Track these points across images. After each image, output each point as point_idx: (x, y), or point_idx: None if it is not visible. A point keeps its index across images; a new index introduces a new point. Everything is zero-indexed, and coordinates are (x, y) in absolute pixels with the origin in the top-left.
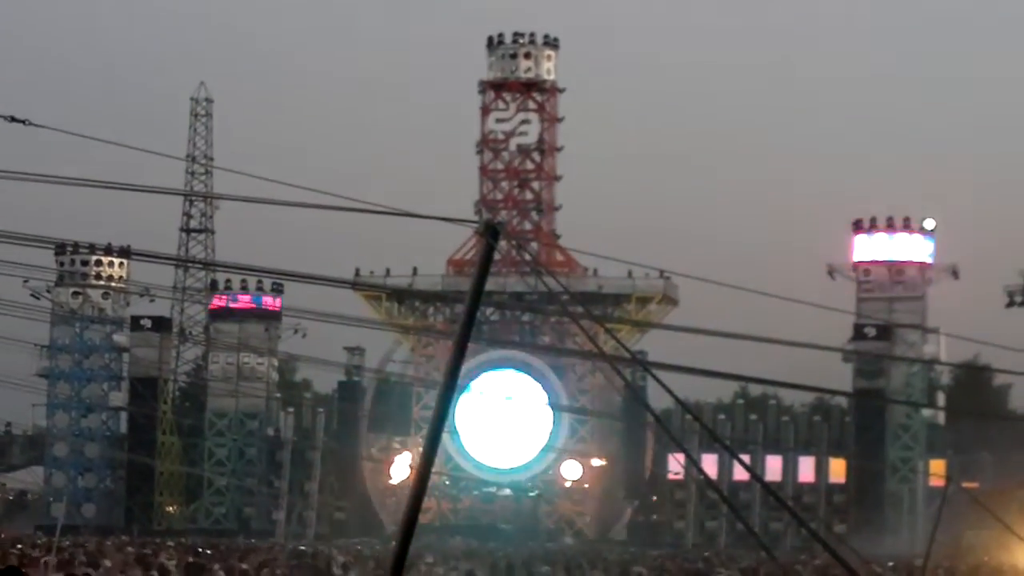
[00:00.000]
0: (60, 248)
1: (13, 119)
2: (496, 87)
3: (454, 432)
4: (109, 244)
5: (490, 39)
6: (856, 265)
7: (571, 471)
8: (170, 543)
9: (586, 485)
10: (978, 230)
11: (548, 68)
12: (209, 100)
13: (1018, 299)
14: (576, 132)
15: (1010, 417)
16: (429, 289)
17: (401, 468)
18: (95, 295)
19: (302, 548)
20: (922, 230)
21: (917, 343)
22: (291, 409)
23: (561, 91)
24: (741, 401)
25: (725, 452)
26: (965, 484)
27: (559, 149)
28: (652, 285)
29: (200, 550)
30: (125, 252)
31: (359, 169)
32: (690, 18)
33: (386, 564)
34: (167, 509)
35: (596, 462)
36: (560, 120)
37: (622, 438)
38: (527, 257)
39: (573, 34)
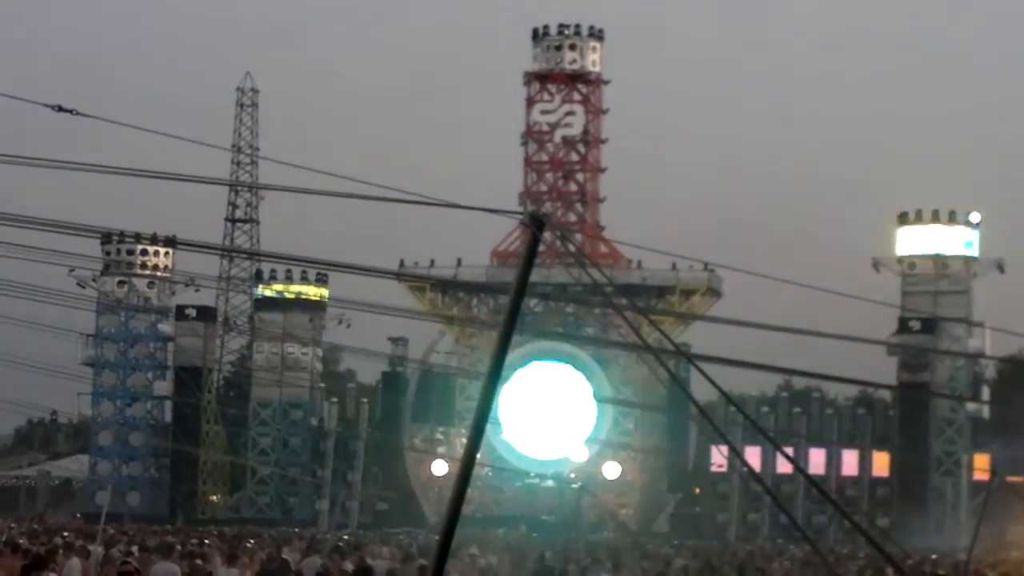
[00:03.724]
0: (106, 237)
1: (61, 109)
2: (541, 79)
3: (497, 423)
4: (155, 234)
5: (535, 31)
6: (901, 258)
7: (611, 471)
8: (214, 532)
9: (629, 477)
10: None
11: (593, 60)
12: (255, 90)
13: None
14: (621, 124)
15: None
16: (473, 280)
17: (442, 465)
18: (141, 284)
19: (345, 537)
20: (968, 223)
21: (962, 337)
22: (335, 399)
23: (606, 83)
24: (785, 394)
25: (768, 445)
26: (1010, 478)
27: (604, 141)
28: (696, 277)
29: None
30: (171, 242)
31: (404, 160)
32: (735, 9)
33: (430, 555)
34: (211, 498)
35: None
36: (605, 112)
37: (666, 430)
38: (572, 248)
39: (618, 26)
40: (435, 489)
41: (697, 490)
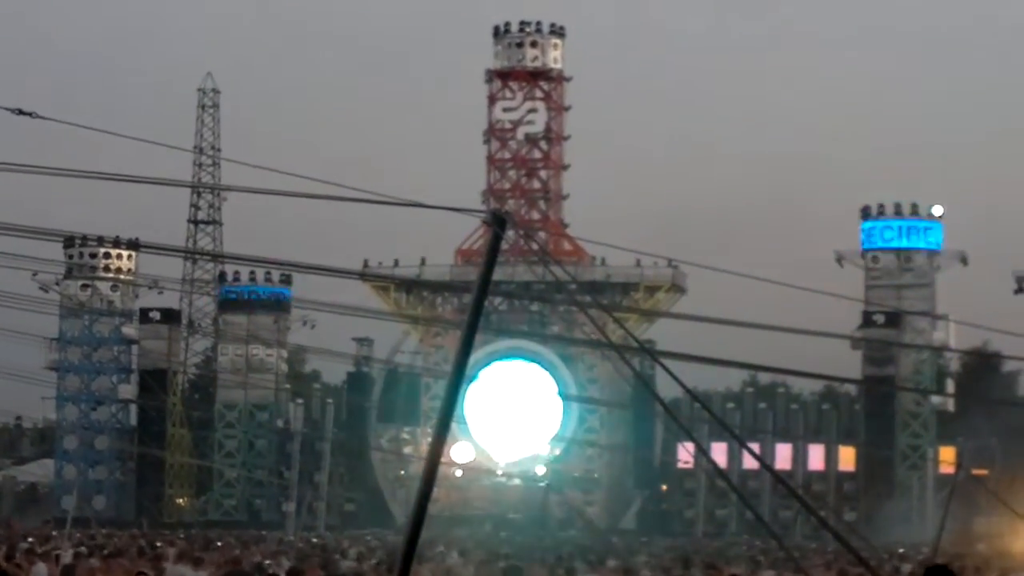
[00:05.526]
0: (68, 241)
1: (20, 112)
2: (503, 76)
3: (463, 422)
4: (117, 237)
5: (496, 28)
6: (864, 252)
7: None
8: (181, 535)
9: (596, 475)
10: (987, 217)
11: (555, 57)
12: (216, 91)
13: None
14: (583, 121)
15: (1020, 403)
16: (437, 279)
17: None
18: (104, 288)
19: (314, 540)
20: (930, 217)
21: (926, 330)
22: (300, 400)
23: (568, 80)
24: (750, 389)
25: (734, 440)
26: (975, 471)
27: (566, 138)
28: (660, 274)
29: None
30: (133, 244)
31: (366, 160)
32: (695, 5)
33: (397, 554)
34: (177, 501)
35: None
36: (567, 109)
37: (631, 427)
38: (535, 246)
39: (579, 23)
40: (402, 489)
41: (664, 487)
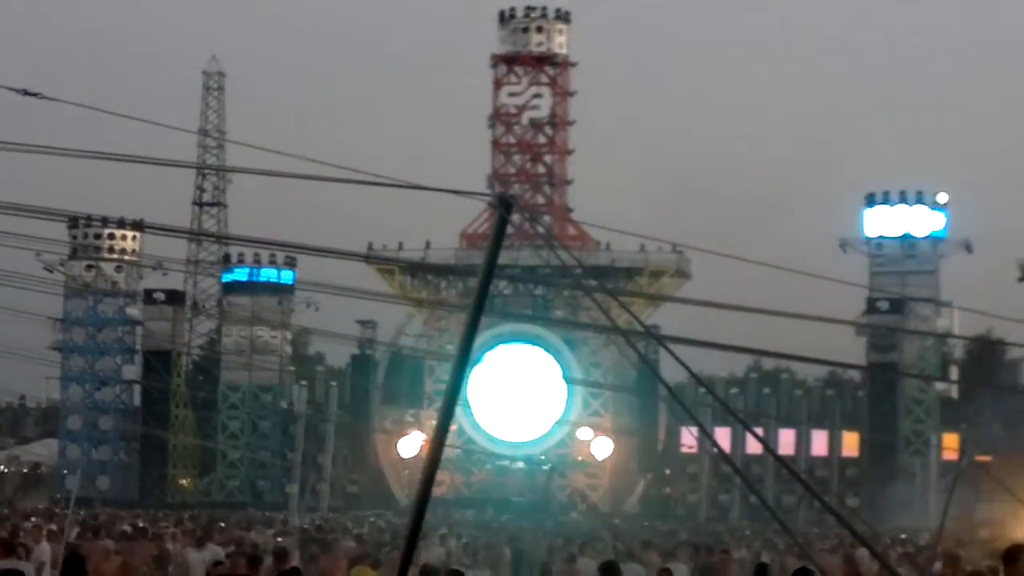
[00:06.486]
0: (73, 221)
1: (26, 92)
2: (508, 61)
3: (467, 405)
4: (122, 217)
5: (502, 13)
6: (869, 239)
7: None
8: (185, 516)
9: (599, 458)
10: (992, 204)
11: (560, 42)
12: (221, 74)
13: None
14: (588, 106)
15: (1023, 390)
16: (442, 262)
17: (411, 445)
18: (108, 268)
19: (318, 524)
20: (935, 204)
21: (930, 317)
22: (304, 382)
23: (573, 65)
24: (754, 375)
25: (738, 425)
26: (978, 457)
27: (571, 123)
28: (665, 259)
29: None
30: (138, 225)
31: (371, 143)
32: None
33: (400, 536)
34: (181, 482)
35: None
36: (572, 94)
37: (635, 411)
38: (540, 230)
39: (585, 8)
40: (405, 471)
41: (667, 471)
